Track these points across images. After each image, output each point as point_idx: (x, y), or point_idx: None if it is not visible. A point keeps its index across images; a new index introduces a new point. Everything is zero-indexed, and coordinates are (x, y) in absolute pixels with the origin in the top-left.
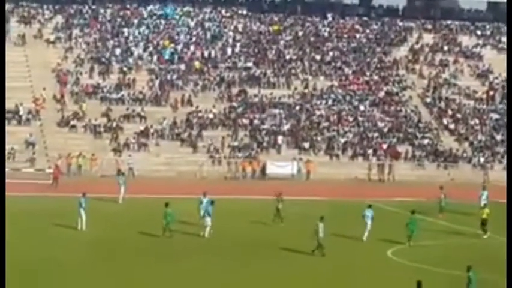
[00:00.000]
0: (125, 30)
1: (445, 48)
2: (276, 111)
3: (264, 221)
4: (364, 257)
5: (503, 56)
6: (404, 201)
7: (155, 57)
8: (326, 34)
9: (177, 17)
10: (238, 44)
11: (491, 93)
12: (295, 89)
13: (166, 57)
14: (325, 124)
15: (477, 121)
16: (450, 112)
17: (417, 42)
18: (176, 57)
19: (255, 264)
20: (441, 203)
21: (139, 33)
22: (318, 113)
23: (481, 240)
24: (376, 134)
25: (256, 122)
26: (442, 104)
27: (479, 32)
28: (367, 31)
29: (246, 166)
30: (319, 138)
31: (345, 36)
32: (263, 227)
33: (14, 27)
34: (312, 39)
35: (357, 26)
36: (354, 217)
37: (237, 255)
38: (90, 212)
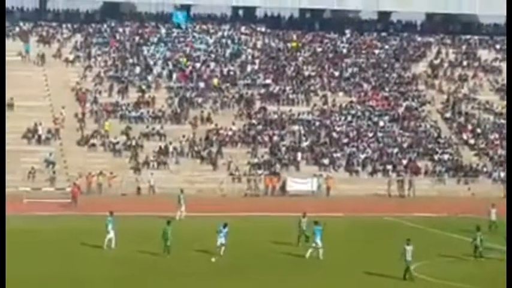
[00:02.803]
0: (144, 48)
1: (464, 63)
2: (296, 127)
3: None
4: (385, 273)
5: None
6: (425, 216)
7: (174, 75)
8: (345, 50)
9: (194, 30)
10: (257, 61)
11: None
12: (315, 105)
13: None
14: (345, 140)
15: (497, 135)
16: (470, 127)
17: (436, 57)
18: (195, 74)
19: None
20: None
21: (158, 51)
22: (337, 129)
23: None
24: (395, 150)
25: (275, 138)
26: (462, 119)
27: (498, 46)
28: (386, 47)
29: (267, 183)
30: (338, 155)
31: (364, 52)
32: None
33: (33, 46)
34: (330, 55)
35: (375, 42)
36: (376, 233)
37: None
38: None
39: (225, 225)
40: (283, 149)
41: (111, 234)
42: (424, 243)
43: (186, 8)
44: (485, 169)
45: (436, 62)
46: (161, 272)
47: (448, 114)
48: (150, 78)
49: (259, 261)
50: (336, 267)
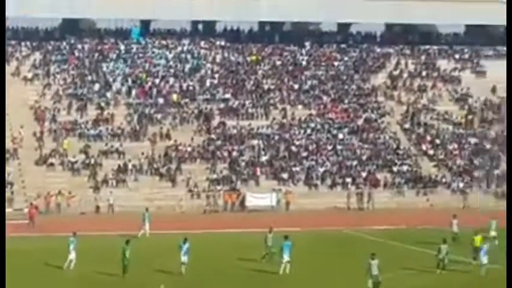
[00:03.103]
0: (103, 64)
1: (424, 73)
2: (255, 142)
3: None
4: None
5: (481, 80)
6: (385, 229)
7: (133, 91)
8: (304, 62)
9: (153, 45)
10: (216, 76)
11: (469, 117)
12: (274, 119)
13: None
14: (304, 154)
15: (456, 146)
16: (429, 138)
17: (395, 68)
18: (155, 90)
19: None
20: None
21: (117, 67)
22: (296, 142)
23: (469, 267)
24: (355, 162)
25: (235, 153)
26: (421, 130)
27: (457, 56)
28: (346, 58)
29: (227, 198)
30: (298, 169)
31: (323, 64)
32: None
33: None
34: (290, 68)
35: (335, 54)
36: (337, 247)
37: None
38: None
39: (185, 241)
40: (243, 164)
41: (72, 255)
42: (385, 256)
43: (146, 23)
44: (444, 180)
45: (396, 73)
46: None
47: (407, 125)
48: (109, 95)
49: (222, 277)
50: (301, 282)
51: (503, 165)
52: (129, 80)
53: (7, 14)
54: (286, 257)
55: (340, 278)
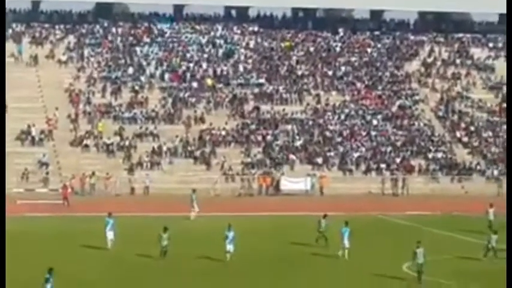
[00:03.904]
0: (137, 48)
1: (457, 61)
2: (289, 127)
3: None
4: (380, 271)
5: None
6: (419, 214)
7: (167, 75)
8: (338, 49)
9: (186, 30)
10: (250, 61)
11: (503, 105)
12: (308, 104)
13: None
14: (338, 139)
15: (490, 134)
16: (463, 125)
17: (429, 56)
18: (188, 74)
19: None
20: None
21: (151, 51)
22: (330, 128)
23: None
24: (389, 148)
25: (269, 138)
26: (455, 117)
27: (491, 44)
28: (379, 45)
29: (261, 182)
30: (332, 154)
31: (357, 51)
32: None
33: (26, 48)
34: (323, 54)
35: (368, 41)
36: (369, 232)
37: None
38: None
39: (229, 228)
40: (277, 148)
41: (110, 235)
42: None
43: (179, 7)
44: (478, 167)
45: (429, 60)
46: (160, 273)
47: (441, 113)
48: (143, 78)
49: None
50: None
51: None
52: (163, 64)
53: None
54: (346, 243)
55: (380, 263)
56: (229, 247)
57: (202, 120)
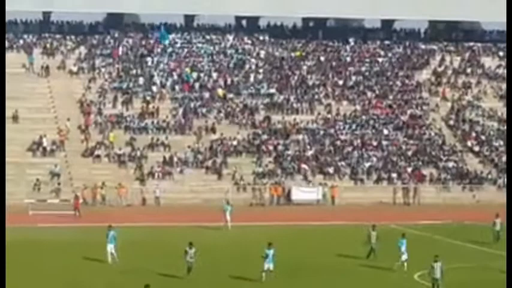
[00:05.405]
0: (148, 59)
1: (468, 70)
2: (300, 137)
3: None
4: (391, 280)
5: None
6: (431, 224)
7: (178, 86)
8: (348, 59)
9: (197, 40)
10: (260, 71)
11: None
12: (319, 114)
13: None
14: (349, 149)
15: (501, 142)
16: (474, 134)
17: (440, 65)
18: (199, 85)
19: None
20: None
21: (162, 61)
22: (341, 137)
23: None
24: (400, 158)
25: (280, 148)
26: (466, 126)
27: (501, 53)
28: (390, 55)
29: (273, 192)
30: (343, 163)
31: (367, 60)
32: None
33: (37, 59)
34: (334, 64)
35: (379, 50)
36: (381, 241)
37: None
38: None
39: (269, 246)
40: (288, 158)
41: (109, 248)
42: (432, 251)
43: (191, 18)
44: (489, 176)
45: (440, 69)
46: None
47: (452, 122)
48: (154, 88)
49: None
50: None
51: None
52: (174, 74)
53: (52, 8)
54: (404, 256)
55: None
56: (268, 265)
57: (213, 130)
